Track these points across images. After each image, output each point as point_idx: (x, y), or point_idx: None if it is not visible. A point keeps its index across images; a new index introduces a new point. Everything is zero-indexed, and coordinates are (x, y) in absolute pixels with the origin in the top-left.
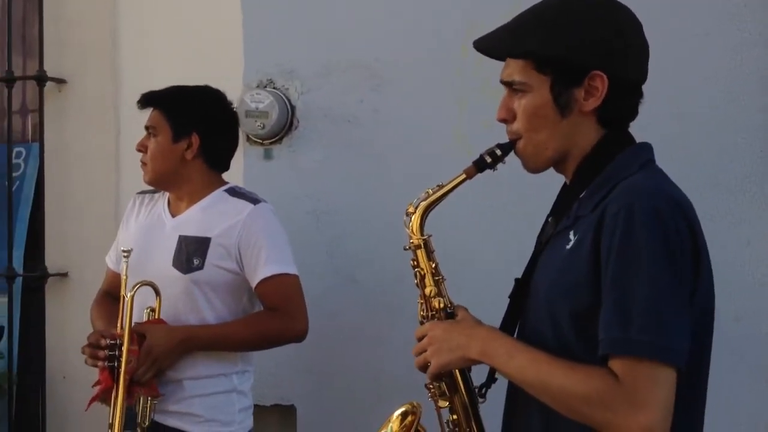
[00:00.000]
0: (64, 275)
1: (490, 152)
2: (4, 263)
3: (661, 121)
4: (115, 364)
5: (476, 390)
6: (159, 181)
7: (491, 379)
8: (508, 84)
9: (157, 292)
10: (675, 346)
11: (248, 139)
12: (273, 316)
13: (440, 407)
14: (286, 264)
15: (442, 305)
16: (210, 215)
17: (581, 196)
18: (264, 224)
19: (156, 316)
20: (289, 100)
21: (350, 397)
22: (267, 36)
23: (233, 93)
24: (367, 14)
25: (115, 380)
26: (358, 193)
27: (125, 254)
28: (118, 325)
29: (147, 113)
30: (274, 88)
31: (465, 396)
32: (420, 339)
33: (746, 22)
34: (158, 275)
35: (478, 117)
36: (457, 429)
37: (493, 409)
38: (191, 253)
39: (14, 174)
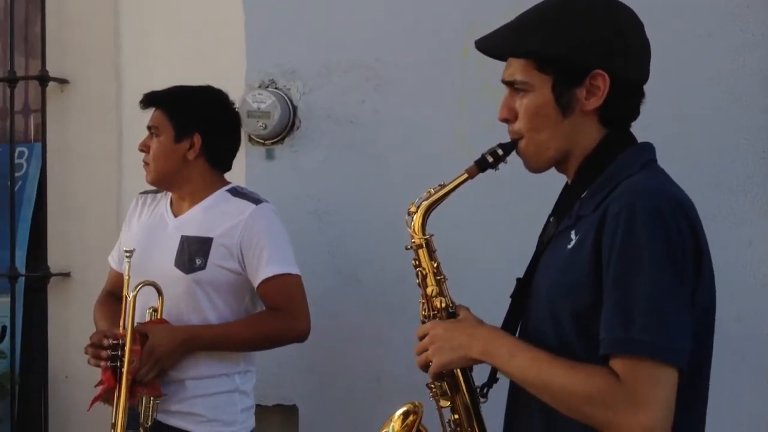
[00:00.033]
0: (67, 275)
1: (492, 152)
2: (6, 263)
3: (664, 121)
4: (118, 364)
5: (478, 390)
6: (161, 181)
7: (493, 378)
8: (509, 84)
9: (160, 292)
10: (676, 346)
11: (250, 139)
12: (275, 316)
13: (442, 407)
14: (288, 264)
15: (443, 305)
16: (212, 215)
17: (583, 195)
18: (266, 224)
19: (158, 316)
20: (290, 101)
21: (352, 396)
22: (269, 36)
23: (235, 93)
24: (368, 14)
25: (118, 380)
26: (360, 193)
27: (127, 254)
28: (121, 325)
29: (149, 113)
30: (275, 88)
31: (466, 396)
32: (421, 338)
33: (749, 23)
34: (160, 275)
35: (479, 117)
36: (458, 429)
37: (494, 408)
38: (193, 253)
39: (17, 174)
